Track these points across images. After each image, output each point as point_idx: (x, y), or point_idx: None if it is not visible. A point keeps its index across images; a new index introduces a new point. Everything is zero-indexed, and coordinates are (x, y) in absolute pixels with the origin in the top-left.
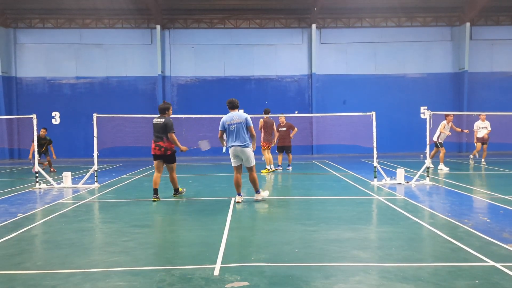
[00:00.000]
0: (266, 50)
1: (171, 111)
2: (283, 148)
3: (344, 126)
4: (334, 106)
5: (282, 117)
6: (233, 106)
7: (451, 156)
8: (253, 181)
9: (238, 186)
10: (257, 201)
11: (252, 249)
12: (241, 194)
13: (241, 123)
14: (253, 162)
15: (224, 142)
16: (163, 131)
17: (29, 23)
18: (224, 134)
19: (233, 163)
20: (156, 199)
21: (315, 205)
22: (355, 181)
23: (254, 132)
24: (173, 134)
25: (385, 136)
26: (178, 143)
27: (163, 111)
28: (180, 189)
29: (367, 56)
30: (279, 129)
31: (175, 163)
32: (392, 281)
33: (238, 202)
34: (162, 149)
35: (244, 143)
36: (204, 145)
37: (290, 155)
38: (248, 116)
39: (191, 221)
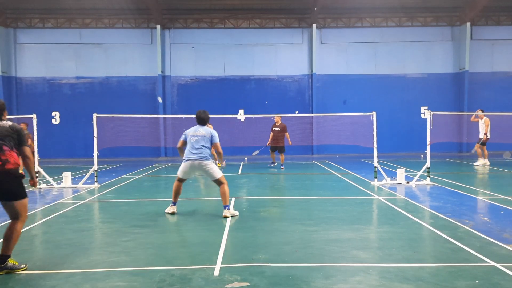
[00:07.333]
0: (266, 50)
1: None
2: (276, 148)
3: (344, 126)
4: (334, 106)
5: (277, 117)
6: (201, 121)
7: (451, 156)
8: (223, 194)
9: (176, 194)
10: (225, 217)
11: (252, 249)
12: (176, 204)
13: (205, 136)
14: (219, 174)
15: (183, 155)
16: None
17: (29, 23)
18: (185, 145)
19: (181, 174)
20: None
21: (315, 205)
22: (355, 181)
23: (220, 150)
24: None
25: (385, 136)
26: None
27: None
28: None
29: (367, 56)
30: (273, 129)
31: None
32: (392, 281)
33: (170, 213)
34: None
35: (203, 156)
36: None
37: (283, 155)
38: (215, 133)
39: (191, 221)
